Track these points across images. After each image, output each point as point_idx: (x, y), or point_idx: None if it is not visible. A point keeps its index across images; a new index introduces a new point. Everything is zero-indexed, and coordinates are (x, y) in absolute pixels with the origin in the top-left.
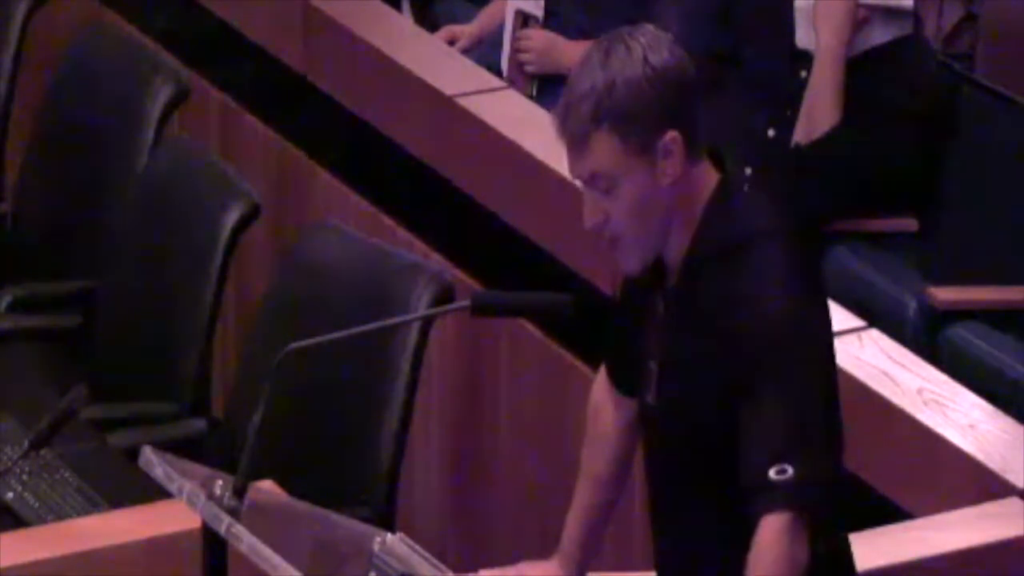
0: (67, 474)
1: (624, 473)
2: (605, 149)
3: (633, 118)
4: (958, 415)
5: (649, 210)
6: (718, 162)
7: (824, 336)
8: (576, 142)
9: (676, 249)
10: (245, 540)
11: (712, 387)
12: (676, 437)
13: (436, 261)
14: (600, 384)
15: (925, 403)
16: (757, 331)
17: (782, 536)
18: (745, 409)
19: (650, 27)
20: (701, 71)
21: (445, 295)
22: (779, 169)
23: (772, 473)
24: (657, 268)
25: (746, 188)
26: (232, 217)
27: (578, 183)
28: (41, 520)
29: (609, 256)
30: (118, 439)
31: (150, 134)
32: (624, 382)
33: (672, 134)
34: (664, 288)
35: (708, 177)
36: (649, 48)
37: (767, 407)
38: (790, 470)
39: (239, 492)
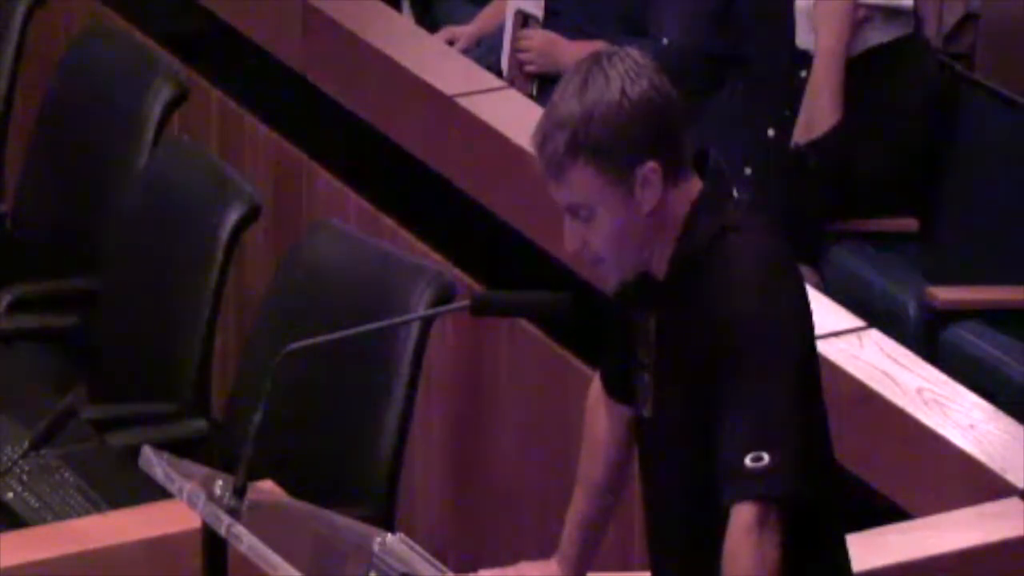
0: (67, 474)
1: (621, 478)
2: (582, 181)
3: (609, 151)
4: (958, 415)
5: (628, 236)
6: (702, 164)
7: (799, 325)
8: (553, 173)
9: (661, 262)
10: (245, 540)
11: (704, 395)
12: (672, 449)
13: (436, 261)
14: (594, 391)
15: (925, 403)
16: (731, 323)
17: (755, 528)
18: (722, 400)
19: (634, 52)
20: (701, 71)
21: (445, 295)
22: (774, 172)
23: (748, 461)
24: (646, 282)
25: (735, 193)
26: (232, 217)
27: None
28: (41, 520)
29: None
30: (118, 439)
31: (150, 134)
32: (617, 390)
33: (651, 165)
34: (653, 301)
35: (691, 191)
36: (628, 78)
37: (744, 397)
38: (766, 458)
39: (239, 492)
